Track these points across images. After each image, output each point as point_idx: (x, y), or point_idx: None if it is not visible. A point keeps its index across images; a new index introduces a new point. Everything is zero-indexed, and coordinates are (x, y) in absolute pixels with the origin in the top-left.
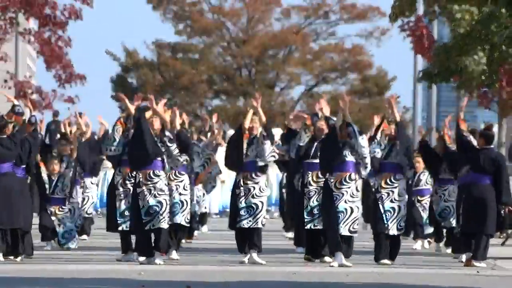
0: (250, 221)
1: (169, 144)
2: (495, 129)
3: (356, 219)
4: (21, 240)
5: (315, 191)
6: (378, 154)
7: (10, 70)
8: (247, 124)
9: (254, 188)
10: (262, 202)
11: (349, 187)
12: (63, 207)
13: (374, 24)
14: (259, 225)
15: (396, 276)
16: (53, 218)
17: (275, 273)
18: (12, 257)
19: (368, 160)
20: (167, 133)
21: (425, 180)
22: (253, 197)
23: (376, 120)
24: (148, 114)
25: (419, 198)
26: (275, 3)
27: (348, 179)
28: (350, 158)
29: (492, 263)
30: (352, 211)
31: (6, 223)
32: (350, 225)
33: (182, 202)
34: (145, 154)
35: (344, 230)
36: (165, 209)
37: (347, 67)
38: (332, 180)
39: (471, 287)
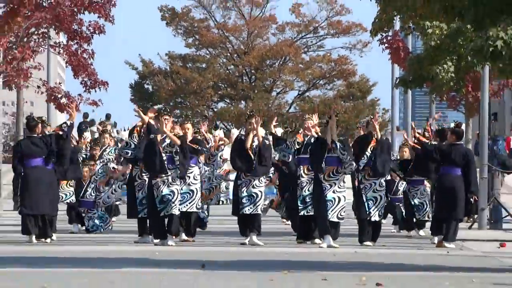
0: (251, 208)
1: (174, 156)
2: (463, 127)
3: (343, 207)
4: (49, 225)
5: (307, 182)
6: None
7: (43, 78)
8: (248, 144)
9: (254, 179)
10: (261, 192)
11: (337, 179)
12: (92, 209)
13: (357, 38)
14: (259, 211)
15: (377, 256)
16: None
17: (270, 253)
18: (43, 239)
19: (347, 166)
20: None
21: (402, 189)
22: (253, 187)
23: (361, 132)
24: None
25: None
26: (271, 20)
27: (336, 172)
28: (337, 154)
29: (460, 244)
30: (339, 200)
31: (35, 209)
32: (338, 212)
33: (192, 191)
34: (154, 169)
35: (333, 217)
36: (177, 197)
37: (334, 75)
38: (321, 174)
39: (442, 265)
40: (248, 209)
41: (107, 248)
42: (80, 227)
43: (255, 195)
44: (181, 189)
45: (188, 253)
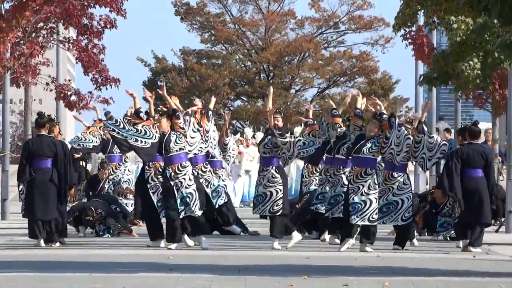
0: (259, 209)
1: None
2: (489, 126)
3: (375, 210)
4: (56, 229)
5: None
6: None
7: (52, 74)
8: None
9: (266, 177)
10: (276, 191)
11: (366, 181)
12: (99, 210)
13: (379, 33)
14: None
15: (400, 260)
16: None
17: (290, 257)
18: (50, 244)
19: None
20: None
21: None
22: (264, 187)
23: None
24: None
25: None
26: (290, 15)
27: (364, 174)
28: (368, 154)
29: (487, 248)
30: (370, 203)
31: (42, 215)
32: (369, 215)
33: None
34: None
35: (359, 220)
36: (195, 198)
37: (355, 72)
38: (350, 174)
39: (468, 270)
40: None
41: (118, 252)
42: (89, 229)
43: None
44: (181, 192)
45: (201, 257)
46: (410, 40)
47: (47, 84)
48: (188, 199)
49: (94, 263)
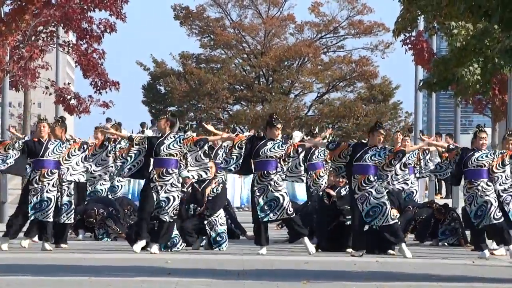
0: (275, 214)
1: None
2: (489, 132)
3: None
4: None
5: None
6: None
7: (51, 78)
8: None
9: (271, 184)
10: (283, 195)
11: (372, 187)
12: (101, 211)
13: (379, 38)
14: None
15: (400, 265)
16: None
17: (289, 262)
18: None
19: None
20: None
21: None
22: (272, 191)
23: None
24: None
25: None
26: (290, 20)
27: (367, 180)
28: (370, 162)
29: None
30: (385, 205)
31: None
32: (388, 216)
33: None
34: None
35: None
36: (171, 204)
37: (354, 77)
38: (354, 183)
39: (468, 276)
40: (273, 215)
41: (117, 256)
42: (86, 233)
43: (276, 200)
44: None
45: (200, 261)
46: (410, 45)
47: (47, 87)
48: (163, 203)
49: (93, 267)
